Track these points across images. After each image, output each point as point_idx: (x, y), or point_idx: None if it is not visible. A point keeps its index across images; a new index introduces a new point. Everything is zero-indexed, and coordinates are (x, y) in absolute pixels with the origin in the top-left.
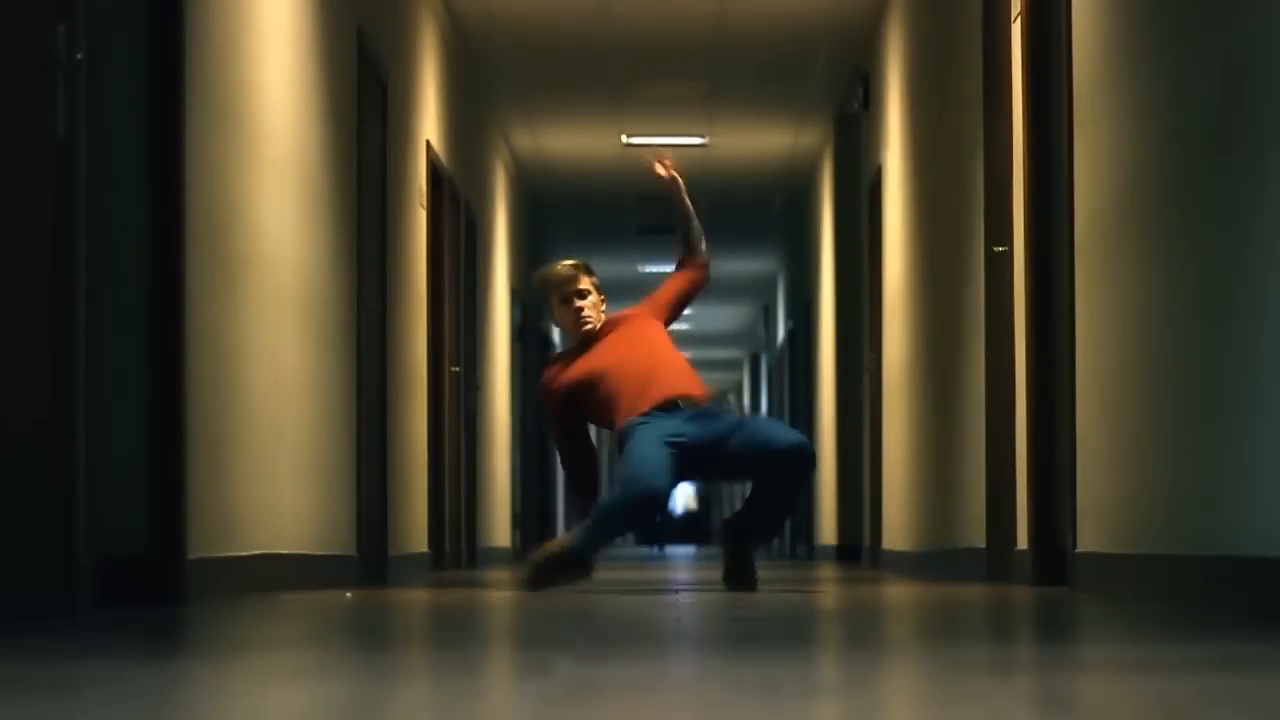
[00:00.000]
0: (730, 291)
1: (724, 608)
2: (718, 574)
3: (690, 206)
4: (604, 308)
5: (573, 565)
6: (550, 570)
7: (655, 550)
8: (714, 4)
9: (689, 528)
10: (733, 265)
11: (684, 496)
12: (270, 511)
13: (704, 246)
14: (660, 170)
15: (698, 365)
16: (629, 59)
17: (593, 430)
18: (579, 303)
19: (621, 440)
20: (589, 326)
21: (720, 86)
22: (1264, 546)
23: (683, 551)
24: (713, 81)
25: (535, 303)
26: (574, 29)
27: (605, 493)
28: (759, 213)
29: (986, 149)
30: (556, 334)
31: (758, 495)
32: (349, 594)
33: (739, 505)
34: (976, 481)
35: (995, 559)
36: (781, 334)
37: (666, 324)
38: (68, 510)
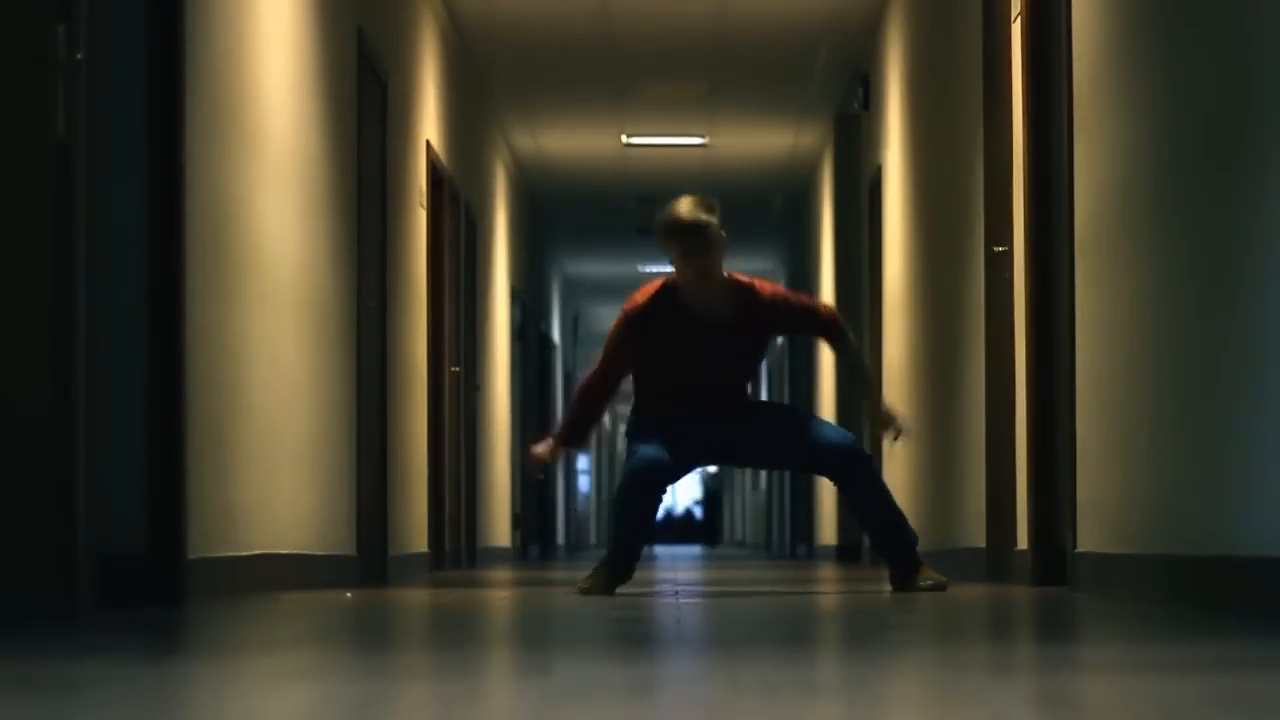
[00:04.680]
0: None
1: (723, 609)
2: (720, 574)
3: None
4: (723, 251)
5: (613, 570)
6: (599, 585)
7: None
8: (714, 4)
9: (691, 528)
10: (733, 265)
11: (685, 496)
12: (270, 511)
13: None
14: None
15: None
16: (629, 59)
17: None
18: (701, 261)
19: (631, 428)
20: (699, 297)
21: (720, 86)
22: (1264, 546)
23: (684, 552)
24: (713, 81)
25: (535, 303)
26: (574, 29)
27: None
28: (759, 213)
29: (986, 149)
30: (557, 333)
31: (858, 514)
32: (349, 594)
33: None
34: (976, 481)
35: (995, 559)
36: None
37: (769, 333)
38: (68, 510)
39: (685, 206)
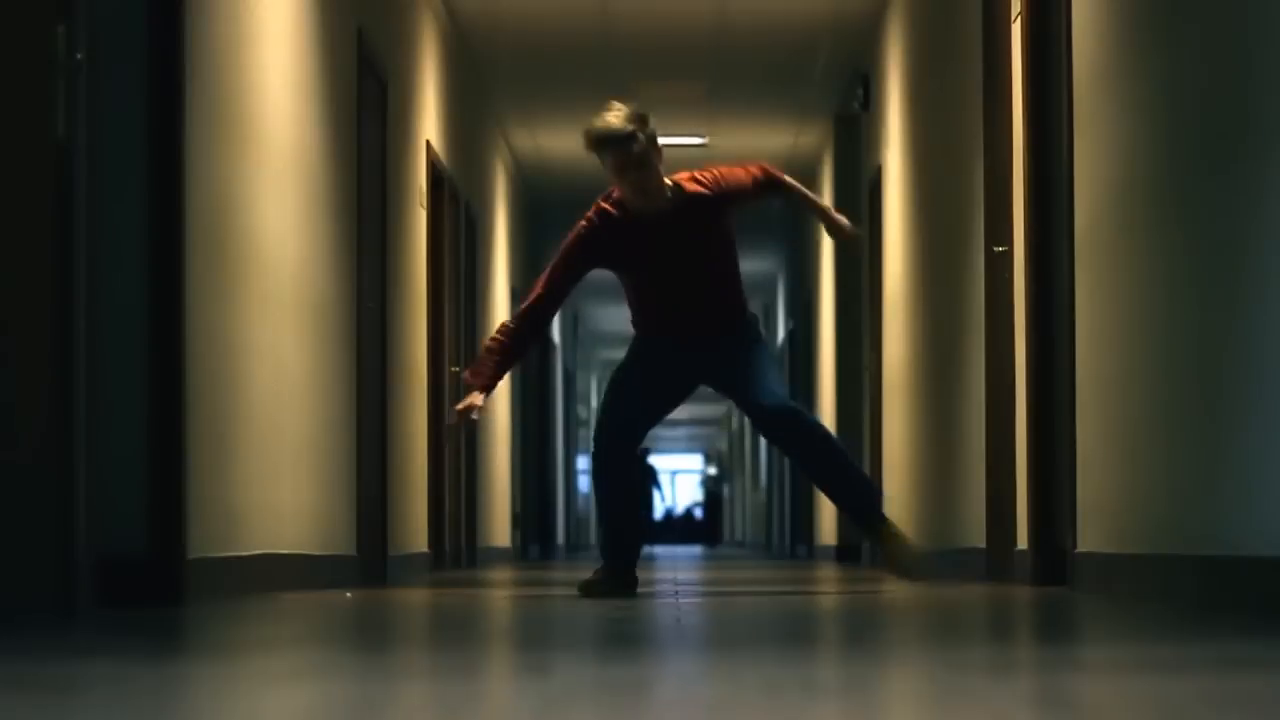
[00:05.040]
0: None
1: (723, 609)
2: (720, 574)
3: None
4: (660, 162)
5: (614, 574)
6: (599, 587)
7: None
8: (714, 4)
9: (691, 528)
10: None
11: (686, 497)
12: (270, 511)
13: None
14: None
15: None
16: (629, 59)
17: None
18: (636, 175)
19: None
20: (645, 208)
21: (720, 86)
22: (1264, 546)
23: (685, 552)
24: (713, 81)
25: None
26: (574, 29)
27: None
28: (759, 212)
29: (986, 149)
30: (557, 333)
31: (806, 474)
32: (349, 594)
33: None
34: (976, 481)
35: (995, 559)
36: (781, 334)
37: (725, 217)
38: (68, 510)
39: (612, 116)
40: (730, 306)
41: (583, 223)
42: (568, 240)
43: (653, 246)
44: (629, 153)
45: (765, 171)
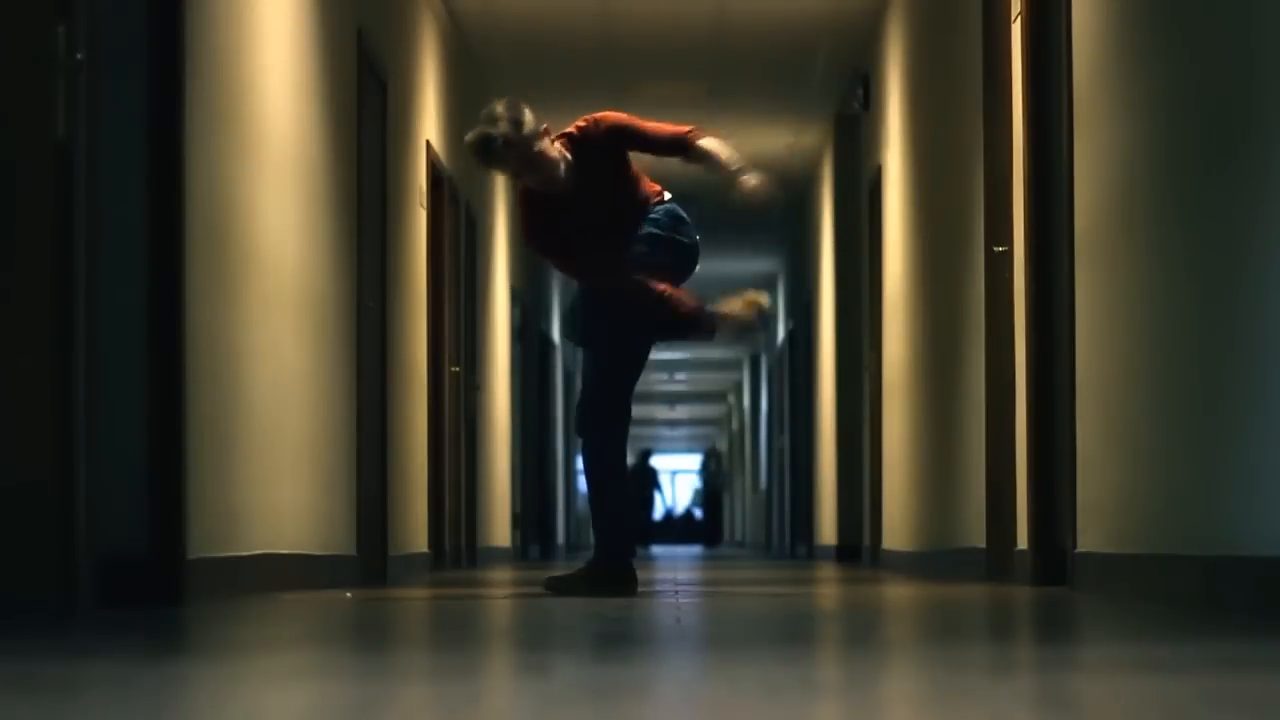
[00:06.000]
0: (730, 292)
1: (723, 608)
2: (720, 574)
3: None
4: (555, 147)
5: (610, 569)
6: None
7: (640, 551)
8: (714, 4)
9: (691, 528)
10: (733, 265)
11: (684, 497)
12: (270, 511)
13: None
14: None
15: (696, 366)
16: (629, 59)
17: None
18: (530, 175)
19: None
20: (554, 189)
21: (720, 86)
22: (1264, 546)
23: (684, 552)
24: (713, 81)
25: (535, 303)
26: (574, 29)
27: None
28: (759, 213)
29: (986, 149)
30: (556, 333)
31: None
32: (349, 594)
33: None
34: (976, 481)
35: (995, 559)
36: (781, 334)
37: (617, 155)
38: (68, 510)
39: (478, 126)
40: (635, 208)
41: (523, 231)
42: (525, 240)
43: (573, 214)
44: (503, 158)
45: (689, 138)
